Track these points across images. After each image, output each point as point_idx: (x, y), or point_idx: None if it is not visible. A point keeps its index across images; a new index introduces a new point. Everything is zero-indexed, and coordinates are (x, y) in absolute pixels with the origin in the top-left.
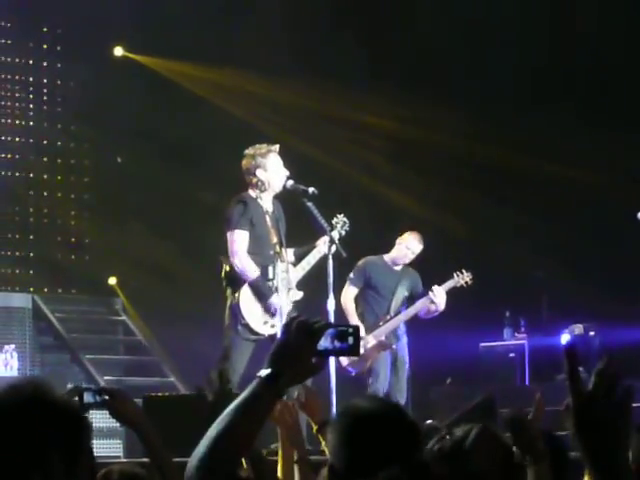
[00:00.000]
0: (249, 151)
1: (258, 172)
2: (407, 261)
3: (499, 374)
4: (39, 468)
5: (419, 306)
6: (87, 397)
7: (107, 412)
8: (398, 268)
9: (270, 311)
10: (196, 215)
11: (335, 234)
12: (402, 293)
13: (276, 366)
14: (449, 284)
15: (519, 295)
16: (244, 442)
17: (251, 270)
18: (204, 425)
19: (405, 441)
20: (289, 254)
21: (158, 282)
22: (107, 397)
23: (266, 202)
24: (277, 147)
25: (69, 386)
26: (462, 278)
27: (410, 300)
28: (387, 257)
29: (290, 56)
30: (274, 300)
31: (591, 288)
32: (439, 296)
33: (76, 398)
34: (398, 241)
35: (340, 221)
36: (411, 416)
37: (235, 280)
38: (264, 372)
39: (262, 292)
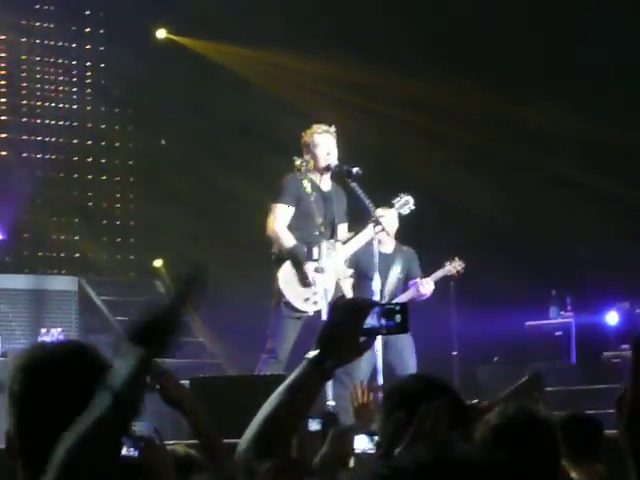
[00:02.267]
0: (308, 130)
1: (306, 150)
2: (385, 239)
3: (545, 353)
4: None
5: (404, 298)
6: None
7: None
8: (388, 250)
9: (306, 281)
10: (241, 197)
11: (393, 213)
12: (395, 276)
13: (324, 347)
14: (439, 274)
15: (565, 273)
16: (293, 423)
17: (286, 239)
18: (251, 406)
19: (454, 419)
20: (341, 231)
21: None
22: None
23: (313, 182)
24: (328, 128)
25: None
26: (454, 267)
27: (407, 281)
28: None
29: (334, 36)
30: (309, 268)
31: (637, 264)
32: (427, 288)
33: None
34: None
35: (403, 200)
36: (458, 394)
37: (280, 261)
38: (312, 353)
39: (298, 260)
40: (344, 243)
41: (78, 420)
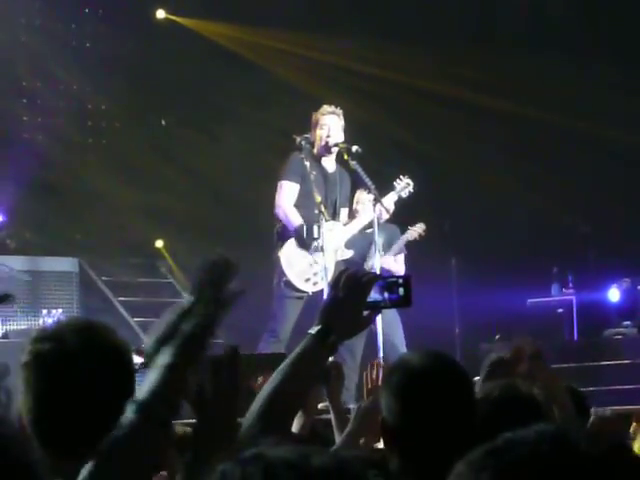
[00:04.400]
0: (318, 111)
1: (312, 130)
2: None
3: (547, 330)
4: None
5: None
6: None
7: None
8: (369, 230)
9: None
10: (243, 177)
11: (392, 196)
12: (378, 252)
13: (326, 322)
14: (400, 243)
15: (566, 251)
16: (296, 399)
17: (294, 219)
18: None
19: (457, 395)
20: (343, 215)
21: (205, 244)
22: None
23: (325, 160)
24: (337, 109)
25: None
26: (415, 230)
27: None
28: None
29: (339, 16)
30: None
31: (638, 241)
32: (393, 266)
33: None
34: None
35: (403, 182)
36: (464, 369)
37: (282, 238)
38: (315, 328)
39: (305, 242)
40: (345, 225)
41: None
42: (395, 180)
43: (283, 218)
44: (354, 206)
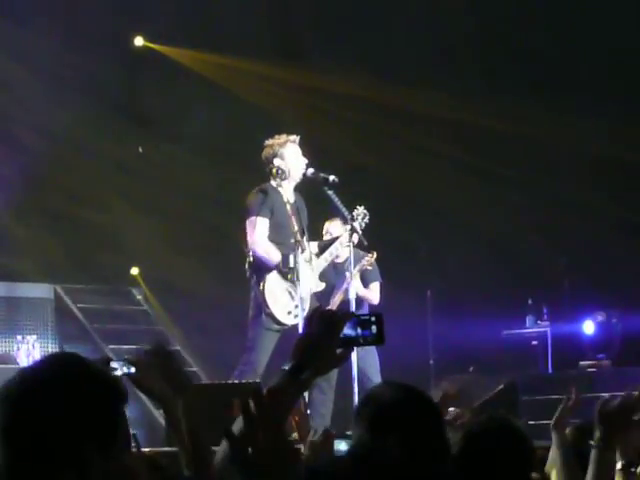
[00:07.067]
0: (268, 142)
1: (276, 161)
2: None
3: (522, 361)
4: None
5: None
6: (114, 368)
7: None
8: (341, 260)
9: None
10: (216, 205)
11: (356, 225)
12: (353, 281)
13: (300, 358)
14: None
15: (542, 283)
16: None
17: (274, 254)
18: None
19: (428, 427)
20: (312, 246)
21: (180, 271)
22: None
23: (287, 191)
24: (296, 137)
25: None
26: (367, 260)
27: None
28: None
29: (311, 45)
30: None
31: (614, 275)
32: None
33: None
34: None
35: (360, 213)
36: (434, 402)
37: (259, 270)
38: (288, 364)
39: (286, 274)
40: (317, 255)
41: None
42: (352, 210)
43: (262, 255)
44: (324, 237)
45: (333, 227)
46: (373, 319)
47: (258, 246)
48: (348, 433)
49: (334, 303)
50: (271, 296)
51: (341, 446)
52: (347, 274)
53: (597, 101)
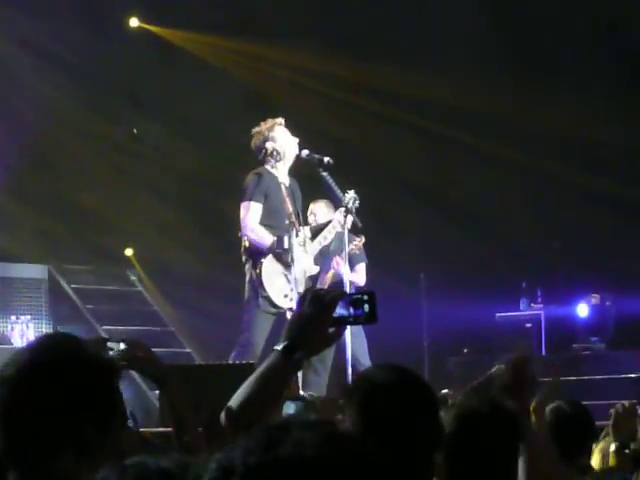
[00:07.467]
0: (255, 129)
1: (268, 144)
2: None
3: (515, 344)
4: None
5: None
6: (110, 348)
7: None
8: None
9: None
10: (211, 186)
11: (351, 207)
12: (346, 265)
13: (293, 338)
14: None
15: (536, 265)
16: (262, 413)
17: (266, 238)
18: (222, 394)
19: (421, 409)
20: (306, 230)
21: (175, 253)
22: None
23: (281, 173)
24: (281, 120)
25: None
26: (355, 245)
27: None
28: None
29: (304, 24)
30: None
31: (607, 258)
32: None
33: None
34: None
35: (351, 197)
36: (427, 384)
37: (255, 253)
38: (280, 344)
39: (281, 257)
40: (312, 238)
41: None
42: (343, 193)
43: (254, 239)
44: (309, 217)
45: (317, 209)
46: (365, 298)
47: (249, 231)
48: (301, 394)
49: (324, 284)
50: (267, 279)
51: (290, 409)
52: (337, 257)
53: (585, 85)
